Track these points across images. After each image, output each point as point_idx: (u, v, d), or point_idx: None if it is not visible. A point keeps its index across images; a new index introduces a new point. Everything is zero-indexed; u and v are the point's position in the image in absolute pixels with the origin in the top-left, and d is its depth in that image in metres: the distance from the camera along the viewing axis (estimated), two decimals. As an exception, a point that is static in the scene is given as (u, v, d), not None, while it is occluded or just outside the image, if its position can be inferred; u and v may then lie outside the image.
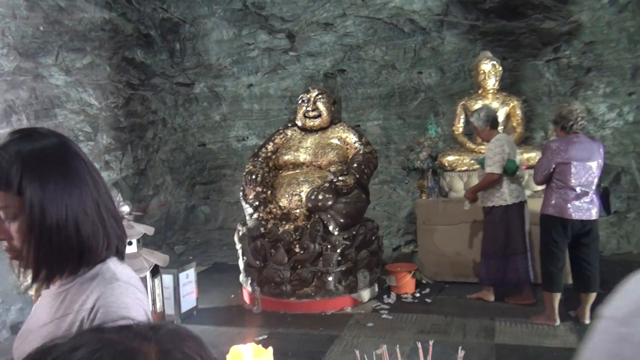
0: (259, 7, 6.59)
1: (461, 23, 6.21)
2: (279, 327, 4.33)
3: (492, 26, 6.14)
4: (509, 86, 6.04)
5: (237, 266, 5.11)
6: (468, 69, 6.36)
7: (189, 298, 4.65)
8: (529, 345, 3.79)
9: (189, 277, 4.64)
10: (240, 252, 4.95)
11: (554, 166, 3.94)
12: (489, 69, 5.41)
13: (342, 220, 4.65)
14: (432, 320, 4.31)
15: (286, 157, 5.11)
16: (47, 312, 1.07)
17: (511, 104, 5.48)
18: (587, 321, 4.09)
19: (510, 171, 4.36)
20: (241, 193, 5.03)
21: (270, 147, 5.26)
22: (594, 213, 3.97)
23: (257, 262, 4.71)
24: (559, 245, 4.04)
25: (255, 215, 4.83)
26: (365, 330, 4.19)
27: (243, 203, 4.99)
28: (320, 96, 5.19)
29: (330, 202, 4.68)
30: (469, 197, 4.67)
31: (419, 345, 2.19)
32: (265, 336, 4.12)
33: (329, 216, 4.61)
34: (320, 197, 4.66)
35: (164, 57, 6.58)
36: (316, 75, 6.80)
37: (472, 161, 5.15)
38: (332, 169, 4.93)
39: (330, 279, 4.59)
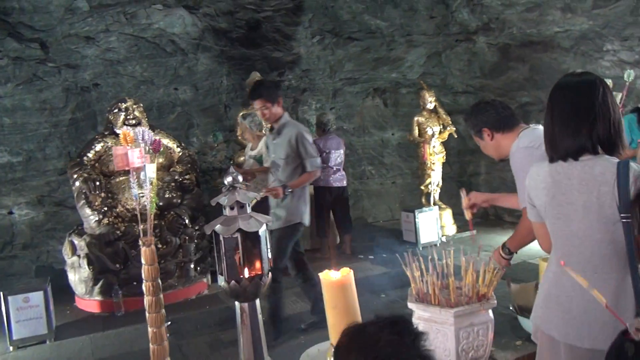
0: (4, 12, 6.06)
1: (213, 47, 7.28)
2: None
3: (236, 52, 7.45)
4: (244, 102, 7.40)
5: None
6: (217, 87, 7.50)
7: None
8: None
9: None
10: (83, 262, 4.81)
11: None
12: (261, 86, 6.72)
13: (191, 214, 5.18)
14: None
15: (116, 164, 5.21)
16: None
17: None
18: (349, 252, 6.40)
19: None
20: (82, 201, 4.87)
21: (91, 155, 5.22)
22: (344, 182, 6.42)
23: (117, 266, 4.76)
24: (326, 206, 6.26)
25: (105, 221, 4.83)
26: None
27: (86, 210, 4.86)
28: (136, 105, 5.49)
29: (179, 200, 5.15)
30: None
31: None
32: (169, 323, 4.38)
33: (183, 210, 5.08)
34: (171, 195, 5.08)
35: None
36: (73, 88, 6.66)
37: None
38: (178, 169, 5.36)
39: (192, 266, 5.07)
